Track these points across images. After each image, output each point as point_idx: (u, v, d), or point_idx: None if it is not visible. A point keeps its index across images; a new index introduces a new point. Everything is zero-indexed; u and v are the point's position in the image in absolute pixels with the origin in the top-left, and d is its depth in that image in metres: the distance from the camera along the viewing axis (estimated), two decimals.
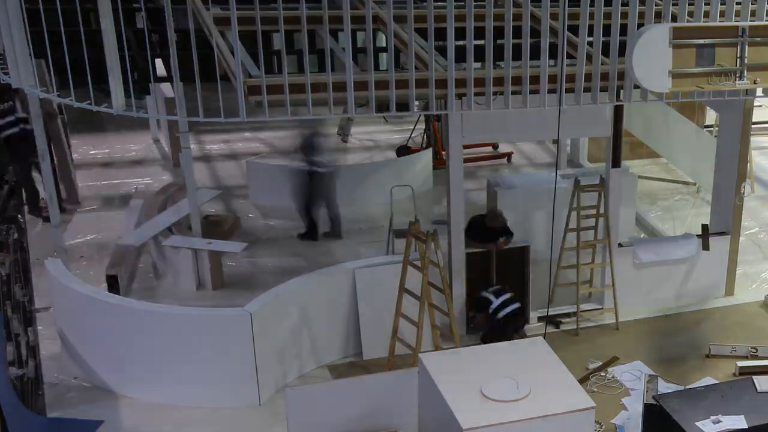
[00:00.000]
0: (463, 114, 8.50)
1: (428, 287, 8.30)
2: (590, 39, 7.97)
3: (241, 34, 7.29)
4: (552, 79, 7.86)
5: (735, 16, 8.29)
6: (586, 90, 8.07)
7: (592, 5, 7.83)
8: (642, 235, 11.44)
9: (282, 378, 8.55)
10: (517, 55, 7.88)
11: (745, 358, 9.03)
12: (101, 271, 10.01)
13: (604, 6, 7.77)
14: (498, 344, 7.13)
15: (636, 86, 7.96)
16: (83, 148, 14.47)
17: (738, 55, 7.83)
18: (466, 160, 9.78)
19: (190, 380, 8.14)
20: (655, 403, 7.03)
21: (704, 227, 9.88)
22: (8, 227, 7.19)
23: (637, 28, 7.81)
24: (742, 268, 10.63)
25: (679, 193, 12.96)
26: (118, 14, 7.41)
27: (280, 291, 8.50)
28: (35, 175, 11.55)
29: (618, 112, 9.23)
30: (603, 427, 7.95)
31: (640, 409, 7.42)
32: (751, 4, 8.33)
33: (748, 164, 10.94)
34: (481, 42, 7.77)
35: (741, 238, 10.40)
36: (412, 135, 14.97)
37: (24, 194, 11.01)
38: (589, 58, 7.98)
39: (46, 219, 10.44)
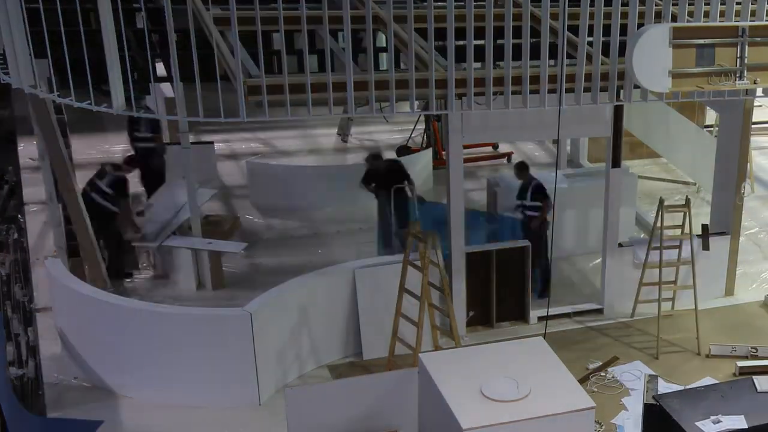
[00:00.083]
0: (463, 114, 8.51)
1: (428, 287, 8.30)
2: (590, 39, 7.96)
3: (241, 34, 7.29)
4: (552, 79, 7.86)
5: (735, 16, 8.29)
6: (586, 90, 8.07)
7: (592, 5, 7.83)
8: (642, 235, 11.43)
9: (282, 378, 8.55)
10: (517, 55, 7.88)
11: (745, 358, 9.03)
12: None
13: (604, 6, 7.77)
14: (498, 344, 7.13)
15: (636, 86, 7.96)
16: (83, 148, 14.46)
17: (738, 55, 7.83)
18: (466, 160, 9.79)
19: (190, 380, 8.14)
20: (655, 403, 7.02)
21: (704, 227, 9.88)
22: (8, 227, 7.20)
23: (637, 28, 7.81)
24: (742, 268, 10.63)
25: (679, 193, 12.95)
26: (118, 14, 7.40)
27: (280, 291, 8.50)
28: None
29: (618, 112, 9.24)
30: (603, 427, 7.95)
31: (640, 409, 7.42)
32: (751, 4, 8.33)
33: (748, 164, 10.95)
34: (481, 42, 7.77)
35: (741, 238, 10.42)
36: (412, 135, 14.97)
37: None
38: (589, 58, 7.98)
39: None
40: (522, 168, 10.10)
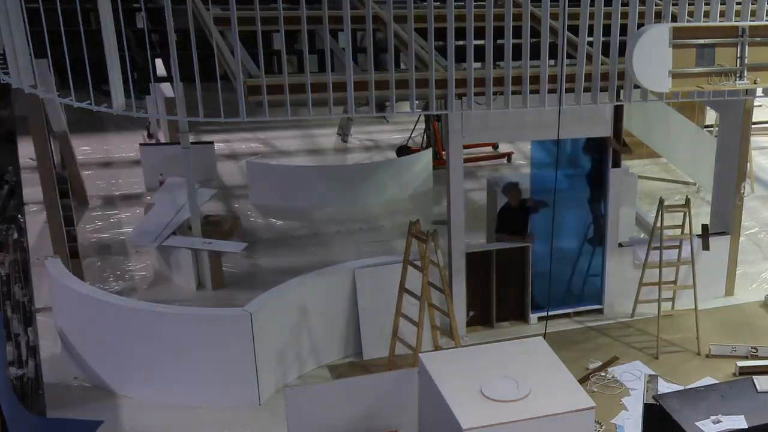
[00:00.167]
0: (463, 114, 8.51)
1: (428, 287, 8.30)
2: (590, 39, 7.97)
3: (241, 34, 7.29)
4: (552, 79, 7.86)
5: (735, 16, 8.29)
6: (586, 90, 8.07)
7: (592, 5, 7.83)
8: (642, 235, 11.43)
9: (282, 378, 8.55)
10: (517, 55, 7.88)
11: (745, 358, 9.03)
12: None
13: (604, 6, 7.77)
14: (498, 344, 7.13)
15: (636, 86, 7.96)
16: (83, 147, 14.46)
17: (738, 55, 7.83)
18: (466, 160, 9.78)
19: (190, 380, 8.14)
20: (655, 403, 7.02)
21: (704, 227, 9.88)
22: (8, 227, 7.21)
23: (637, 28, 7.81)
24: (742, 268, 10.63)
25: (679, 193, 12.95)
26: (118, 14, 7.41)
27: (280, 291, 8.50)
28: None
29: (618, 112, 9.24)
30: (603, 427, 7.95)
31: (640, 409, 7.42)
32: (751, 4, 8.33)
33: (748, 164, 10.95)
34: (481, 42, 7.77)
35: (741, 238, 10.41)
36: (412, 135, 14.97)
37: None
38: (589, 58, 7.98)
39: None
40: (513, 189, 9.74)
